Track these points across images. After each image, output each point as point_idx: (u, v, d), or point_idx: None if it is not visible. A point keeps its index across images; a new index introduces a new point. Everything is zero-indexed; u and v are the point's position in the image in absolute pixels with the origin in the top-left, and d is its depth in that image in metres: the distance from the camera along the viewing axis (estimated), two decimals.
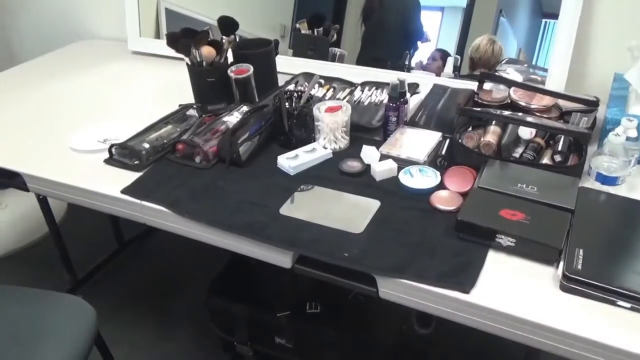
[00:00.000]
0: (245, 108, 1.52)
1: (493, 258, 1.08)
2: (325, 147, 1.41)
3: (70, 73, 2.04)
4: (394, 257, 1.08)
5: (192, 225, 1.22)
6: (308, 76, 1.77)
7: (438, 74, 1.99)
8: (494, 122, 1.36)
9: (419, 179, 1.27)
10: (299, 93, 1.48)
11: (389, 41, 2.11)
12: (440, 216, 1.17)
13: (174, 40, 1.55)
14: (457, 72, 1.93)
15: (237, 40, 1.72)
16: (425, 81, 1.69)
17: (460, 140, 1.33)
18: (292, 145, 1.42)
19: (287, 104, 1.45)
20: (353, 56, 2.01)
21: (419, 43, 1.91)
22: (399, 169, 1.30)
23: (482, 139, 1.32)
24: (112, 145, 1.42)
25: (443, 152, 1.33)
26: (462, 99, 1.52)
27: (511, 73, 1.60)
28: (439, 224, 1.14)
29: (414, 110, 1.53)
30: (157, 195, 1.29)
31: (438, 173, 1.27)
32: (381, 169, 1.30)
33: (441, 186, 1.25)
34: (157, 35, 2.20)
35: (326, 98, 1.65)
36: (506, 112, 1.33)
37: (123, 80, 1.97)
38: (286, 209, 1.22)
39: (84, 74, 2.03)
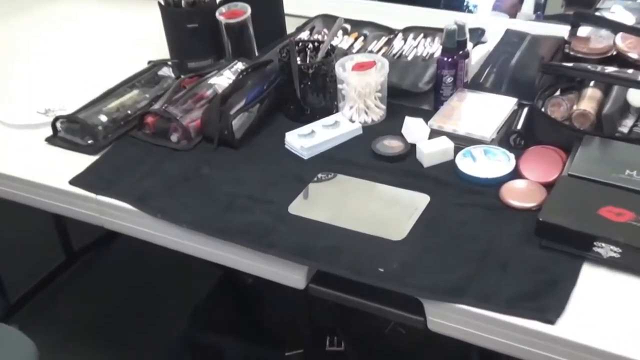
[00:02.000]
0: (240, 66, 1.53)
1: (589, 274, 1.08)
2: (352, 120, 1.42)
3: (2, 14, 2.07)
4: (449, 273, 1.09)
5: (168, 228, 1.24)
6: (328, 20, 1.77)
7: (513, 15, 1.98)
8: (592, 84, 1.35)
9: (485, 164, 1.27)
10: (316, 44, 1.49)
11: None
12: (514, 216, 1.17)
13: None
14: (540, 12, 1.92)
15: None
16: (495, 25, 1.69)
17: (543, 109, 1.33)
18: (306, 118, 1.43)
19: (298, 59, 1.45)
20: None
21: None
22: (457, 150, 1.31)
23: (575, 107, 1.31)
24: (56, 118, 1.44)
25: (519, 127, 1.33)
26: (547, 50, 1.51)
27: (618, 12, 1.58)
28: (513, 228, 1.14)
29: (478, 67, 1.52)
30: (118, 187, 1.30)
31: (512, 156, 1.27)
32: (431, 151, 1.30)
33: (516, 174, 1.24)
34: None
35: (354, 50, 1.65)
36: (610, 69, 1.32)
37: (70, 26, 1.99)
38: (298, 207, 1.23)
39: (15, 16, 2.05)
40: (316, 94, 1.43)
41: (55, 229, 2.33)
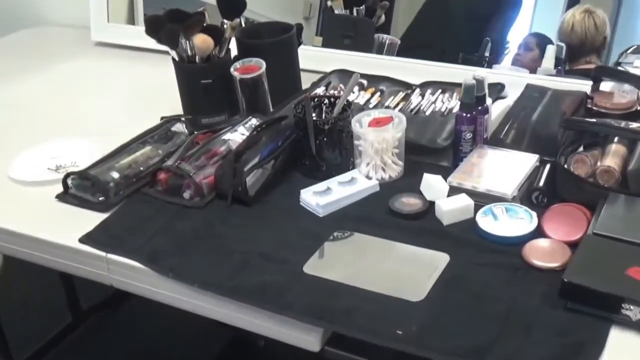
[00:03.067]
0: (254, 121, 1.54)
1: (617, 338, 1.06)
2: (369, 177, 1.42)
3: (11, 72, 2.11)
4: (470, 336, 1.07)
5: (179, 288, 1.24)
6: (344, 75, 1.79)
7: (533, 70, 1.99)
8: (616, 139, 1.35)
9: (507, 222, 1.26)
10: (332, 99, 1.50)
11: (460, 24, 2.14)
12: (537, 277, 1.16)
13: (155, 26, 1.59)
14: (560, 67, 1.93)
15: (244, 25, 1.76)
16: (514, 80, 1.70)
17: (566, 166, 1.33)
18: (321, 174, 1.44)
19: (314, 114, 1.47)
20: (408, 45, 2.04)
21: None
22: (477, 207, 1.30)
23: (599, 164, 1.31)
24: (67, 175, 1.46)
25: (541, 184, 1.33)
26: (569, 105, 1.51)
27: None
28: (536, 288, 1.13)
29: (497, 123, 1.53)
30: (129, 245, 1.31)
31: (534, 214, 1.27)
32: (451, 208, 1.30)
33: (539, 233, 1.24)
34: (131, 20, 2.27)
35: (370, 106, 1.67)
36: (634, 124, 1.33)
37: (83, 82, 2.03)
38: (313, 266, 1.23)
39: (30, 73, 2.10)
40: (332, 150, 1.44)
41: (62, 288, 2.33)
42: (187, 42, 1.59)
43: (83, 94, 1.94)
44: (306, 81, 1.77)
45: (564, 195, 1.30)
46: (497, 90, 1.66)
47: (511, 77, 1.72)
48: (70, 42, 2.28)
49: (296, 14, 2.20)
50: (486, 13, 2.01)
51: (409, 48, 2.02)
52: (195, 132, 1.55)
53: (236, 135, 1.50)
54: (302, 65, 1.75)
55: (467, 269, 1.19)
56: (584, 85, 1.52)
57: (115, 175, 1.44)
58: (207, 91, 1.61)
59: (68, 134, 1.69)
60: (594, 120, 1.38)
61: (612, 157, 1.31)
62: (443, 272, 1.19)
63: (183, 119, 1.61)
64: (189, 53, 1.60)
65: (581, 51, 1.88)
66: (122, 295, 2.34)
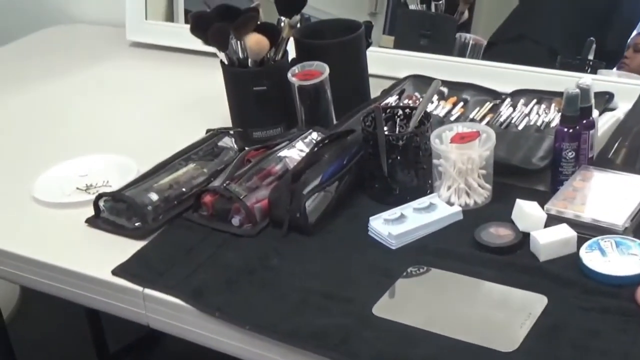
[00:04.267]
0: (315, 136, 1.56)
1: None
2: (450, 203, 1.42)
3: (34, 74, 2.17)
4: None
5: (227, 330, 1.25)
6: (421, 82, 1.80)
7: None
8: None
9: (617, 259, 1.24)
10: (407, 110, 1.51)
11: (561, 18, 2.12)
12: None
13: (202, 25, 1.62)
14: None
15: (304, 23, 1.78)
16: (626, 88, 1.68)
17: None
18: (394, 199, 1.44)
19: (386, 128, 1.47)
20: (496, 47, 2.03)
21: None
22: (581, 241, 1.29)
23: None
24: (99, 196, 1.49)
25: None
26: None
27: None
28: None
29: (605, 140, 1.51)
30: (169, 279, 1.33)
31: None
32: (549, 241, 1.29)
33: None
34: (172, 17, 2.31)
35: (452, 119, 1.67)
36: None
37: (117, 87, 2.07)
38: (384, 307, 1.23)
39: (57, 76, 2.15)
40: (407, 170, 1.44)
41: (88, 327, 2.37)
42: (238, 42, 1.62)
43: (116, 102, 1.98)
44: (376, 89, 1.78)
45: None
46: (605, 100, 1.65)
47: (621, 85, 1.70)
48: (103, 42, 2.33)
49: (362, 11, 2.21)
50: (601, 8, 1.99)
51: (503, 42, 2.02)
52: (247, 148, 1.57)
53: (294, 152, 1.51)
54: (371, 70, 1.76)
55: (568, 314, 1.17)
56: None
57: (154, 197, 1.47)
58: (260, 100, 1.63)
59: (100, 149, 1.73)
60: None
61: None
62: (539, 317, 1.17)
63: (232, 132, 1.64)
64: (240, 55, 1.63)
65: None
66: (156, 337, 2.37)
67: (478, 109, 1.69)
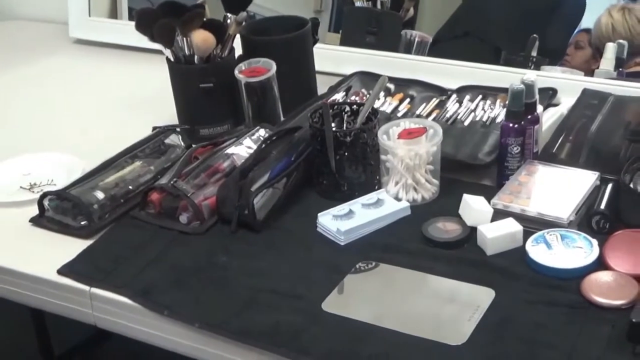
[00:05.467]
0: (262, 133, 1.55)
1: None
2: (398, 198, 1.43)
3: None
4: None
5: (176, 328, 1.24)
6: (367, 78, 1.81)
7: (589, 72, 2.00)
8: None
9: (562, 252, 1.26)
10: (354, 107, 1.51)
11: (505, 16, 2.15)
12: (600, 316, 1.16)
13: (147, 21, 1.61)
14: (621, 69, 1.94)
15: (250, 20, 1.78)
16: (569, 84, 1.71)
17: (632, 185, 1.33)
18: (342, 195, 1.45)
19: (333, 124, 1.48)
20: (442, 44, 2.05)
21: None
22: (527, 234, 1.31)
23: None
24: (43, 195, 1.47)
25: (602, 207, 1.33)
26: (635, 113, 1.52)
27: None
28: (599, 331, 1.13)
29: (550, 135, 1.54)
30: (117, 278, 1.32)
31: (595, 242, 1.27)
32: (495, 235, 1.30)
33: (601, 264, 1.24)
34: (115, 14, 2.28)
35: (399, 115, 1.68)
36: None
37: (61, 85, 2.04)
38: (333, 303, 1.23)
39: (0, 73, 2.10)
40: (355, 166, 1.45)
41: (34, 329, 2.33)
42: (184, 39, 1.61)
43: (61, 99, 1.95)
44: (323, 85, 1.79)
45: (629, 220, 1.30)
46: (549, 96, 1.67)
47: (565, 81, 1.73)
48: (46, 39, 2.30)
49: (306, 7, 2.22)
50: (542, 7, 2.02)
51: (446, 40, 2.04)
52: (194, 145, 1.56)
53: (241, 149, 1.51)
54: (318, 67, 1.77)
55: (515, 307, 1.19)
56: None
57: (100, 195, 1.45)
58: (207, 97, 1.62)
59: (44, 147, 1.70)
60: None
61: None
62: (487, 311, 1.19)
63: (179, 129, 1.63)
64: (187, 52, 1.62)
65: (630, 52, 1.89)
66: (103, 337, 2.35)
67: (424, 105, 1.70)
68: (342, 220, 1.37)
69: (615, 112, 1.56)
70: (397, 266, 1.29)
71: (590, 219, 1.33)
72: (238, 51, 1.69)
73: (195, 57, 1.62)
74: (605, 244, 1.26)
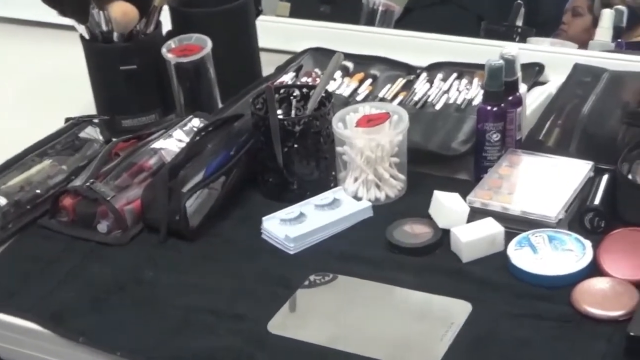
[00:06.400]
0: (196, 123, 1.55)
1: None
2: (358, 197, 1.43)
3: None
4: None
5: (94, 358, 1.23)
6: (321, 56, 1.81)
7: (583, 44, 2.01)
8: None
9: (550, 256, 1.27)
10: (305, 90, 1.52)
11: None
12: (593, 330, 1.16)
13: None
14: (620, 40, 1.95)
15: None
16: (558, 59, 1.72)
17: (631, 176, 1.34)
18: (291, 196, 1.45)
19: (280, 112, 1.48)
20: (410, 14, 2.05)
21: None
22: (509, 237, 1.31)
23: None
24: None
25: (597, 202, 1.34)
26: (634, 92, 1.53)
27: None
28: (593, 346, 1.14)
29: (536, 119, 1.55)
30: (23, 299, 1.30)
31: (588, 244, 1.28)
32: (472, 239, 1.31)
33: (595, 270, 1.25)
34: None
35: (358, 98, 1.68)
36: None
37: None
38: (282, 324, 1.23)
39: None
40: (306, 161, 1.45)
41: None
42: (101, 13, 1.60)
43: None
44: (268, 65, 1.79)
45: (627, 217, 1.32)
46: (535, 73, 1.68)
47: (554, 55, 1.74)
48: None
49: None
50: None
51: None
52: (114, 140, 1.55)
53: (171, 143, 1.51)
54: (262, 44, 1.77)
55: (496, 322, 1.19)
56: None
57: (2, 201, 1.44)
58: (129, 81, 1.62)
59: None
60: None
61: None
62: (463, 327, 1.19)
63: (96, 120, 1.62)
64: (104, 28, 1.61)
65: (637, 17, 1.90)
66: None
67: (389, 86, 1.71)
68: (292, 225, 1.37)
69: (611, 90, 1.57)
70: (357, 278, 1.29)
71: (583, 217, 1.34)
72: (166, 26, 1.69)
73: (115, 33, 1.61)
74: (600, 246, 1.27)
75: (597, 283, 1.22)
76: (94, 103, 1.68)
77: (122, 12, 1.59)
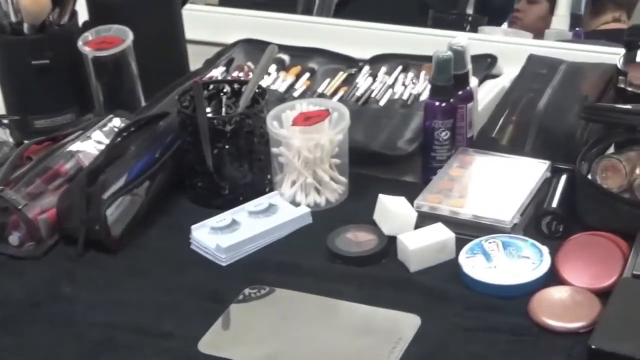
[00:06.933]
0: (117, 123, 1.54)
1: None
2: (295, 203, 1.44)
3: None
4: None
5: None
6: (253, 48, 1.81)
7: (539, 34, 2.03)
8: None
9: (505, 264, 1.28)
10: (236, 86, 1.52)
11: None
12: (552, 343, 1.17)
13: None
14: (579, 29, 1.98)
15: None
16: (512, 49, 1.74)
17: (591, 176, 1.36)
18: (223, 201, 1.45)
19: (209, 109, 1.48)
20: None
21: None
22: (461, 243, 1.33)
23: (638, 171, 1.35)
24: None
25: (554, 205, 1.36)
26: (593, 85, 1.54)
27: None
28: None
29: (488, 115, 1.56)
30: None
31: (546, 250, 1.29)
32: (420, 246, 1.31)
33: (553, 278, 1.26)
34: None
35: (295, 95, 1.69)
36: None
37: None
38: (214, 342, 1.23)
39: None
40: (238, 163, 1.45)
41: None
42: (9, 1, 1.58)
43: None
44: (197, 59, 1.79)
45: (588, 221, 1.34)
46: (487, 65, 1.70)
47: (507, 46, 1.76)
48: None
49: None
50: None
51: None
52: (26, 142, 1.54)
53: (89, 145, 1.50)
54: (189, 35, 1.77)
55: (447, 336, 1.20)
56: (613, 55, 1.55)
57: None
58: (42, 77, 1.61)
59: None
60: (629, 106, 1.42)
61: None
62: (411, 343, 1.20)
63: (5, 121, 1.60)
64: (13, 19, 1.60)
65: (601, 5, 1.92)
66: None
67: (328, 80, 1.72)
68: (224, 234, 1.38)
69: (569, 83, 1.58)
70: (296, 291, 1.30)
71: (540, 221, 1.36)
72: (82, 16, 1.68)
73: (25, 24, 1.60)
74: (558, 252, 1.29)
75: (556, 292, 1.24)
76: (3, 102, 1.66)
77: (32, 0, 1.58)
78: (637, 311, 1.17)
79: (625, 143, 1.41)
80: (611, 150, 1.41)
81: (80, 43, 1.60)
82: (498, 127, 1.52)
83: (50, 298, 1.32)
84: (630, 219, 1.30)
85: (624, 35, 1.53)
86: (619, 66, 1.50)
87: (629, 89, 1.47)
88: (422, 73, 1.68)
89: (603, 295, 1.21)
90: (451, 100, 1.43)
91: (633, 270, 1.23)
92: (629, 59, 1.51)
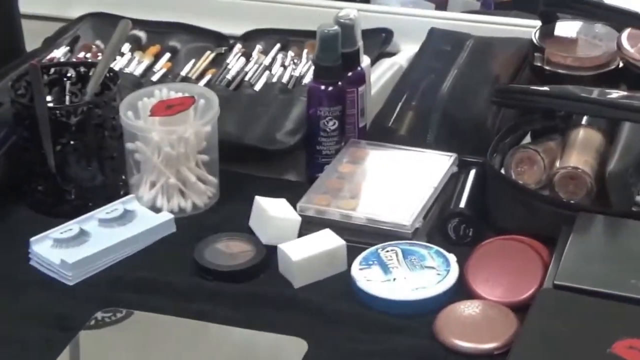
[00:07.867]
0: None
1: None
2: (156, 208, 1.44)
3: None
4: None
5: None
6: (102, 24, 1.81)
7: (440, 3, 2.05)
8: (584, 120, 1.42)
9: (405, 275, 1.29)
10: (82, 69, 1.51)
11: None
12: None
13: None
14: None
15: None
16: (410, 22, 1.76)
17: (504, 171, 1.38)
18: (68, 208, 1.44)
19: (50, 98, 1.46)
20: None
21: None
22: (353, 253, 1.33)
23: (557, 164, 1.37)
24: None
25: (462, 204, 1.38)
26: (505, 64, 1.57)
27: None
28: None
29: (383, 100, 1.57)
30: None
31: (453, 258, 1.31)
32: (305, 256, 1.32)
33: (461, 291, 1.28)
34: None
35: (153, 78, 1.69)
36: (615, 93, 1.38)
37: None
38: None
39: None
40: (86, 162, 1.44)
41: None
42: None
43: None
44: (34, 37, 1.77)
45: (501, 223, 1.36)
46: (381, 41, 1.72)
47: (405, 18, 1.78)
48: None
49: None
50: None
51: None
52: None
53: None
54: (24, 9, 1.74)
55: None
56: (528, 29, 1.58)
57: None
58: None
59: None
60: (546, 88, 1.43)
61: (580, 152, 1.37)
62: None
63: None
64: None
65: None
66: None
67: (193, 61, 1.72)
68: (70, 247, 1.37)
69: (477, 62, 1.60)
70: (158, 313, 1.29)
71: (446, 225, 1.37)
72: None
73: None
74: (468, 261, 1.31)
75: (466, 308, 1.25)
76: None
77: None
78: (559, 328, 1.18)
79: (543, 131, 1.44)
80: (527, 140, 1.43)
81: None
82: (395, 114, 1.54)
83: None
84: (550, 220, 1.32)
85: (539, 5, 1.54)
86: (534, 41, 1.52)
87: (547, 67, 1.50)
88: (305, 51, 1.69)
89: (520, 309, 1.23)
90: (339, 83, 1.44)
91: (554, 280, 1.24)
92: (546, 32, 1.53)
